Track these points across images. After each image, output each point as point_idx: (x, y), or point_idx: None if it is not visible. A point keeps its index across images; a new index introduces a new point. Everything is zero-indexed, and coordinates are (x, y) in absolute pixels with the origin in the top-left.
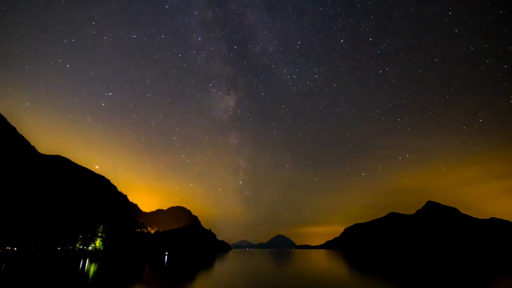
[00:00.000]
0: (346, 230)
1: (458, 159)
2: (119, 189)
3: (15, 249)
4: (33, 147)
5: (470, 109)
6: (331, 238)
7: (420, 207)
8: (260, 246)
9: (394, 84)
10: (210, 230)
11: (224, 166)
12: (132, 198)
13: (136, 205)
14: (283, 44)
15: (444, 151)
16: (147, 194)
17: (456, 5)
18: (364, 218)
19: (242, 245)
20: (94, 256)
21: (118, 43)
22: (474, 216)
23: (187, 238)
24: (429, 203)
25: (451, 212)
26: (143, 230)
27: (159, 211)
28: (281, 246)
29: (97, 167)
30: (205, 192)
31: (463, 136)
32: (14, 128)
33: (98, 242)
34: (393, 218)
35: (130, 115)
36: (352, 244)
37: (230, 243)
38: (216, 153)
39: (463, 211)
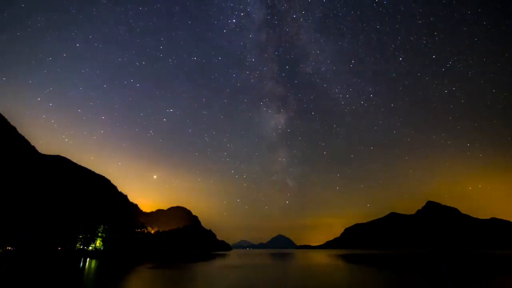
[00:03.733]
0: (346, 230)
1: None
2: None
3: (15, 249)
4: (33, 147)
5: None
6: (331, 238)
7: (420, 207)
8: (260, 246)
9: (462, 104)
10: (210, 230)
11: (271, 184)
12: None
13: (136, 205)
14: (336, 63)
15: None
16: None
17: None
18: (364, 218)
19: (242, 245)
20: (94, 256)
21: (181, 65)
22: (474, 216)
23: (187, 238)
24: (429, 203)
25: (451, 212)
26: (143, 230)
27: (159, 211)
28: (281, 246)
29: (155, 176)
30: (251, 209)
31: None
32: (14, 128)
33: (98, 242)
34: (393, 218)
35: (186, 130)
36: (352, 244)
37: (230, 243)
38: (264, 170)
39: (463, 211)
